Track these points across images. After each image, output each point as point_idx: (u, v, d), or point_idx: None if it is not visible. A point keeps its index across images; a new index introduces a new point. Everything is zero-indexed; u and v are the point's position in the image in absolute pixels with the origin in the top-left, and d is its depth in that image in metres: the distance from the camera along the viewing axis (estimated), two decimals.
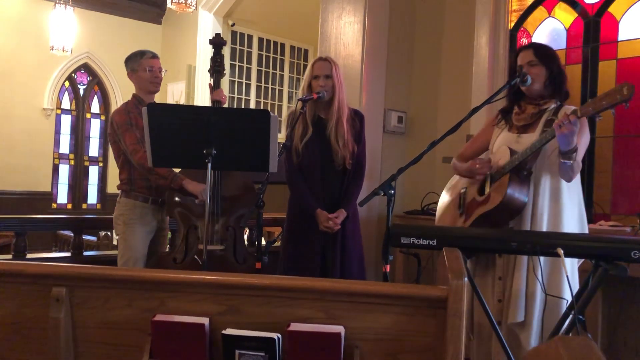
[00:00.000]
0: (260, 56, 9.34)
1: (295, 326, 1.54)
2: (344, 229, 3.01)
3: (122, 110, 3.21)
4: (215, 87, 3.27)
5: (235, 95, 9.08)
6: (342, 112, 3.02)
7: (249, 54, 9.21)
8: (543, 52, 2.57)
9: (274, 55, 9.54)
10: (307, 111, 2.98)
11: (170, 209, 3.16)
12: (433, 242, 2.03)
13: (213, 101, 3.24)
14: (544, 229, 2.39)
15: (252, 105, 9.24)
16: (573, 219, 2.46)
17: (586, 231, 2.52)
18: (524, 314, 2.37)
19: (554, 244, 1.96)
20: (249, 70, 9.23)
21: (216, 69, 3.26)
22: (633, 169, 3.73)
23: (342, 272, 2.99)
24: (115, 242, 4.43)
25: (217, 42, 3.28)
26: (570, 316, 2.02)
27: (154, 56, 3.29)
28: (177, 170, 3.16)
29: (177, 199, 3.11)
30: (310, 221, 2.99)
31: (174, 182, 3.07)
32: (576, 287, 2.24)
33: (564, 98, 2.54)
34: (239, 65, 9.08)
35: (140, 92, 3.27)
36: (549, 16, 4.14)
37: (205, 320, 1.56)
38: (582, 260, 2.38)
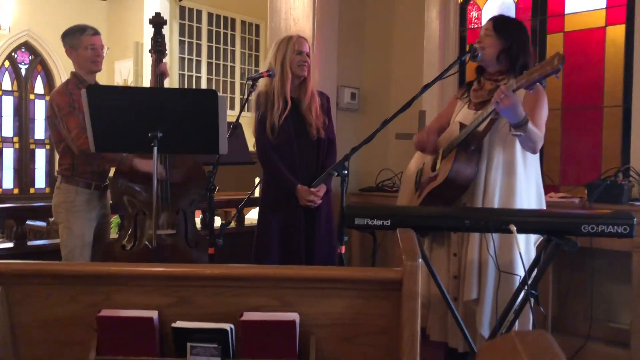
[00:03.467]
0: (210, 32, 9.11)
1: (248, 315, 1.50)
2: (320, 205, 3.00)
3: (62, 91, 2.99)
4: (157, 64, 3.11)
5: (186, 73, 8.86)
6: (314, 90, 3.05)
7: (199, 29, 8.97)
8: (502, 24, 2.54)
9: (225, 31, 9.32)
10: (283, 87, 2.94)
11: (116, 196, 3.04)
12: (387, 223, 2.01)
13: (157, 75, 3.09)
14: (496, 204, 2.39)
15: (204, 82, 9.04)
16: (528, 195, 2.46)
17: (544, 206, 2.53)
18: (478, 291, 2.39)
19: (507, 220, 1.97)
20: (199, 46, 9.00)
21: (157, 49, 3.10)
22: (581, 141, 3.80)
23: (319, 244, 2.99)
24: None
25: (157, 22, 3.13)
26: (523, 291, 2.04)
27: (96, 33, 3.07)
28: None
29: (122, 184, 3.00)
30: (289, 198, 2.96)
31: (123, 164, 2.94)
32: (526, 260, 2.27)
33: (519, 74, 2.52)
34: (188, 42, 8.84)
35: (81, 71, 3.06)
36: None
37: (154, 314, 1.50)
38: (540, 236, 2.40)
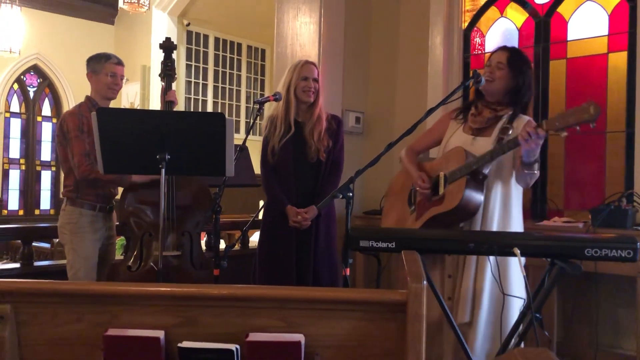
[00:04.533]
0: (216, 56, 9.23)
1: (254, 336, 1.50)
2: (317, 228, 3.00)
3: (74, 112, 3.07)
4: (167, 90, 3.18)
5: (192, 96, 8.95)
6: (322, 115, 3.05)
7: (205, 54, 9.08)
8: (517, 60, 2.53)
9: (231, 55, 9.44)
10: (287, 112, 2.98)
11: (123, 217, 3.06)
12: (392, 245, 2.02)
13: (165, 102, 3.15)
14: (494, 230, 2.44)
15: (210, 106, 9.13)
16: (518, 222, 2.53)
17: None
18: (470, 315, 2.39)
19: (511, 244, 1.98)
20: (205, 70, 9.11)
21: (167, 73, 3.18)
22: (584, 165, 3.82)
23: (314, 271, 2.98)
24: None
25: (167, 46, 3.21)
26: (528, 315, 2.04)
27: (119, 62, 3.17)
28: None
29: (129, 206, 3.03)
30: (285, 221, 2.98)
31: (124, 182, 3.00)
32: (521, 284, 2.27)
33: (521, 109, 2.54)
34: (195, 66, 8.95)
35: (96, 96, 3.14)
36: (501, 16, 4.21)
37: (160, 334, 1.51)
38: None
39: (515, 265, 2.35)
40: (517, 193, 2.52)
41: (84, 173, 2.94)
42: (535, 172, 2.34)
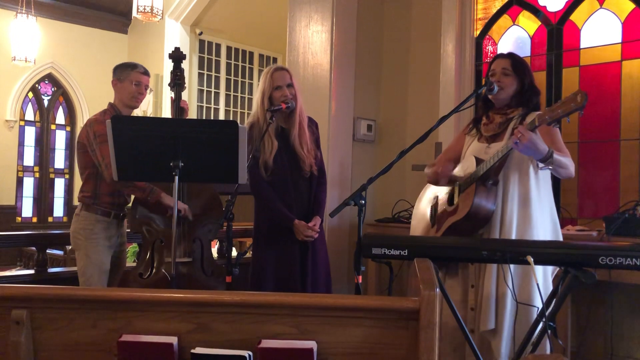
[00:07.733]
0: (228, 65, 9.29)
1: (266, 343, 1.51)
2: (314, 239, 3.00)
3: (101, 119, 3.04)
4: (177, 100, 3.21)
5: (204, 105, 9.00)
6: (303, 120, 3.02)
7: (217, 62, 9.15)
8: (519, 64, 2.59)
9: (243, 64, 9.50)
10: (269, 126, 2.93)
11: (134, 224, 3.08)
12: (404, 253, 2.02)
13: (177, 109, 3.16)
14: (513, 236, 2.40)
15: (222, 114, 9.18)
16: (544, 225, 2.47)
17: (560, 237, 2.53)
18: (495, 322, 2.38)
19: (524, 251, 1.97)
20: (217, 79, 9.16)
21: (177, 82, 3.20)
22: (597, 174, 3.79)
23: (313, 278, 2.98)
24: None
25: (176, 56, 3.24)
26: (541, 323, 2.03)
27: (145, 72, 3.21)
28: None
29: (141, 214, 3.04)
30: (283, 231, 2.96)
31: (152, 196, 2.98)
32: (544, 291, 2.26)
33: (531, 109, 2.55)
34: (207, 74, 9.01)
35: (119, 104, 3.17)
36: (514, 24, 4.20)
37: (173, 340, 1.52)
38: (557, 268, 2.40)
39: (540, 274, 2.34)
40: (540, 195, 2.48)
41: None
42: (553, 166, 2.31)
